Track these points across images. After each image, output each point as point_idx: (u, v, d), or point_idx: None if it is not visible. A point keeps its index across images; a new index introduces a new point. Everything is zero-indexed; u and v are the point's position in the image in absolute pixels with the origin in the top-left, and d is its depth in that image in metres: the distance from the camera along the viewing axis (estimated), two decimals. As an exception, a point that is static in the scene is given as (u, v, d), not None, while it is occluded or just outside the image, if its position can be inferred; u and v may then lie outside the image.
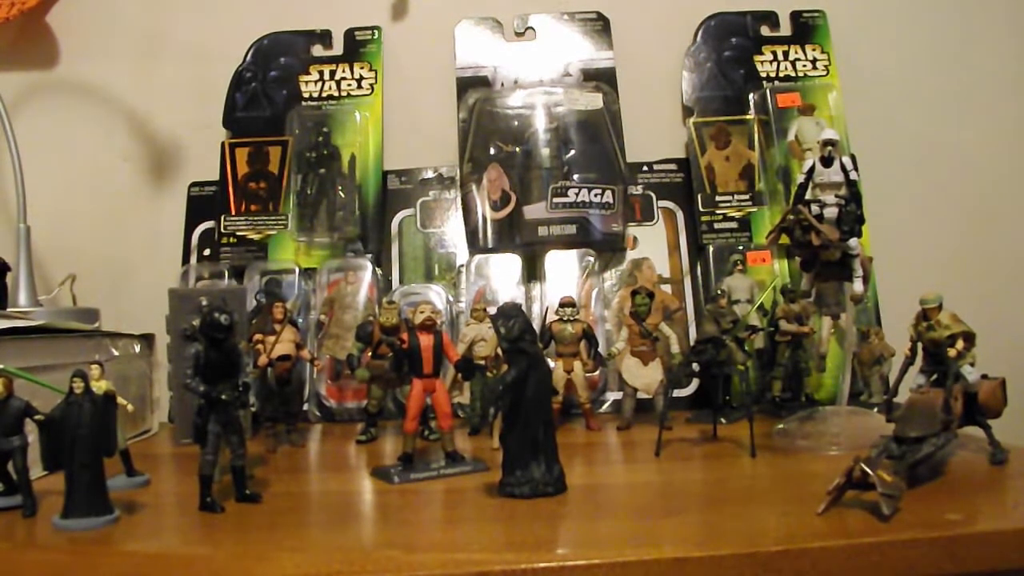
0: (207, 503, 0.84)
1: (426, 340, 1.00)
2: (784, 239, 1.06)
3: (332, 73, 1.56)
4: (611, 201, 1.46)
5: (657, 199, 1.53)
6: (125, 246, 1.58)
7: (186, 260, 1.52)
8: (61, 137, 1.59)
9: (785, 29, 1.58)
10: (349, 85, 1.56)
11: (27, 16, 1.55)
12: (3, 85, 1.41)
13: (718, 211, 1.49)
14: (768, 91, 1.52)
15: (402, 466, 0.98)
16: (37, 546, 0.77)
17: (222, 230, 1.49)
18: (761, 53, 1.56)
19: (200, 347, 0.84)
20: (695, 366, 1.08)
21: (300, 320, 1.41)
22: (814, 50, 1.56)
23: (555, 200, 1.45)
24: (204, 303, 1.10)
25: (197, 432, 0.85)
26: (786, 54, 1.56)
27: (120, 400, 0.90)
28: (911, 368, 1.00)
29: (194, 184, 1.56)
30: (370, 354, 1.20)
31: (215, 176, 1.53)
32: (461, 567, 0.66)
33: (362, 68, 1.56)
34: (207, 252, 1.52)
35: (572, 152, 1.49)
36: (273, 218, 1.50)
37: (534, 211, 1.45)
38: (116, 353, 1.25)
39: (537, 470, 0.86)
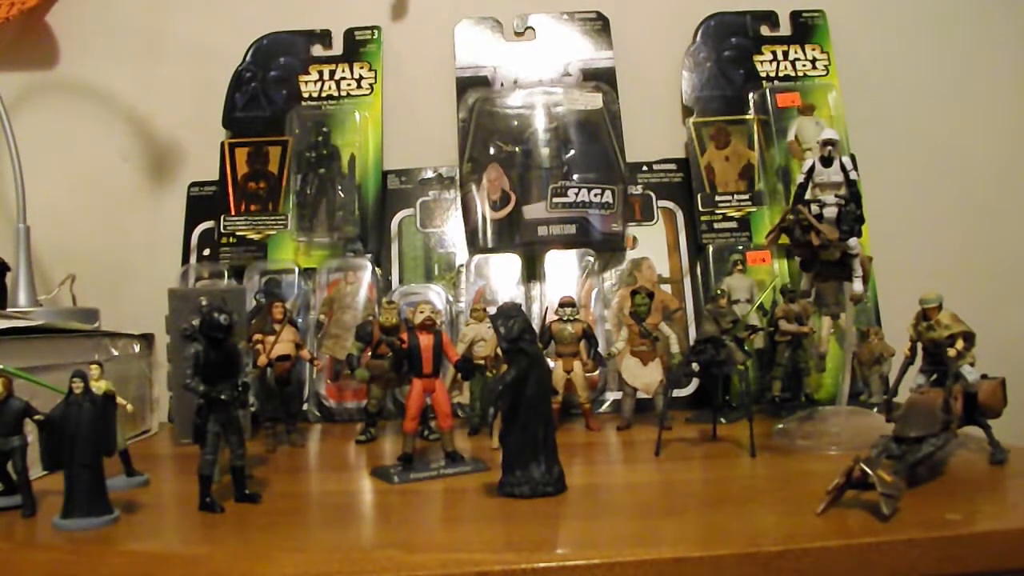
0: (207, 503, 0.84)
1: (426, 340, 1.00)
2: (784, 239, 1.06)
3: (332, 73, 1.56)
4: (611, 201, 1.46)
5: (657, 199, 1.53)
6: (125, 246, 1.58)
7: (186, 260, 1.52)
8: (61, 137, 1.59)
9: (785, 29, 1.58)
10: (349, 85, 1.56)
11: (27, 16, 1.55)
12: (3, 85, 1.41)
13: (718, 211, 1.49)
14: (768, 91, 1.52)
15: (402, 466, 0.98)
16: (37, 546, 0.77)
17: (222, 230, 1.49)
18: (761, 53, 1.56)
19: (200, 347, 0.84)
20: (695, 366, 1.08)
21: (300, 320, 1.41)
22: (814, 50, 1.56)
23: (555, 200, 1.45)
24: (204, 303, 1.10)
25: (197, 432, 0.85)
26: (786, 54, 1.56)
27: (120, 400, 0.90)
28: (911, 368, 1.00)
29: (194, 184, 1.56)
30: (370, 354, 1.20)
31: (215, 176, 1.53)
32: (461, 567, 0.66)
33: (362, 68, 1.56)
34: (207, 252, 1.52)
35: (572, 152, 1.49)
36: (273, 218, 1.50)
37: (534, 211, 1.45)
38: (116, 353, 1.25)
39: (537, 470, 0.86)
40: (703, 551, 0.67)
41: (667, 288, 1.47)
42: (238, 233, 1.49)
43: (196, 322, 0.86)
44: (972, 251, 1.58)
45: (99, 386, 0.87)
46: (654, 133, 1.57)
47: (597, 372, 1.35)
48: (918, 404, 0.88)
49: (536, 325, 1.11)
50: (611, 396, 1.38)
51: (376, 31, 1.58)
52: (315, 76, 1.56)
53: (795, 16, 1.58)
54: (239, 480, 0.87)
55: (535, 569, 0.66)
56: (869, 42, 1.61)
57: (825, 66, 1.55)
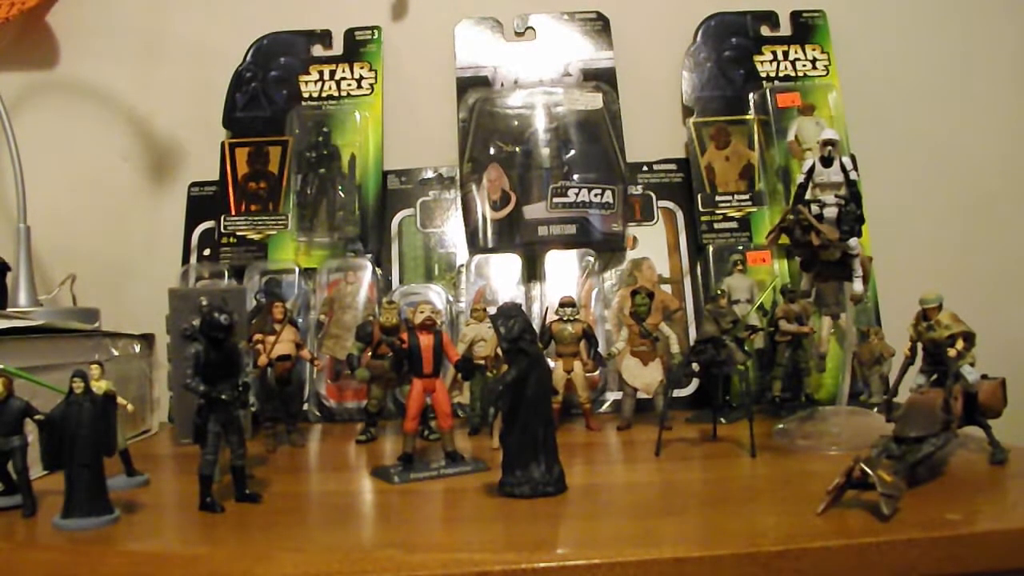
0: (207, 503, 0.84)
1: (426, 340, 1.00)
2: (784, 239, 1.06)
3: (332, 73, 1.56)
4: (611, 201, 1.46)
5: (657, 199, 1.53)
6: (125, 246, 1.58)
7: (186, 260, 1.52)
8: (61, 137, 1.59)
9: (785, 29, 1.58)
10: (349, 85, 1.56)
11: (27, 16, 1.55)
12: (3, 85, 1.41)
13: (718, 211, 1.49)
14: (768, 91, 1.52)
15: (402, 466, 0.98)
16: (37, 546, 0.77)
17: (222, 230, 1.49)
18: (761, 53, 1.56)
19: (200, 347, 0.84)
20: (695, 366, 1.08)
21: (300, 320, 1.41)
22: (814, 50, 1.56)
23: (555, 200, 1.45)
24: (204, 303, 1.10)
25: (197, 432, 0.85)
26: (786, 54, 1.56)
27: (120, 400, 0.90)
28: (911, 368, 1.00)
29: (194, 184, 1.56)
30: (370, 354, 1.20)
31: (215, 176, 1.53)
32: (461, 567, 0.66)
33: (362, 68, 1.56)
34: (207, 252, 1.52)
35: (572, 152, 1.49)
36: (273, 218, 1.50)
37: (534, 211, 1.45)
38: (116, 353, 1.25)
39: (537, 470, 0.86)
40: (703, 551, 0.67)
41: (667, 288, 1.47)
42: (238, 233, 1.49)
43: (196, 322, 0.87)
44: (972, 251, 1.58)
45: (99, 386, 0.87)
46: (654, 133, 1.57)
47: (597, 372, 1.35)
48: (918, 404, 0.88)
49: (536, 325, 1.10)
50: (611, 396, 1.38)
51: (376, 31, 1.58)
52: (315, 76, 1.56)
53: (795, 16, 1.58)
54: (239, 480, 0.87)
55: (535, 569, 0.66)
56: (869, 42, 1.61)
57: (825, 66, 1.55)
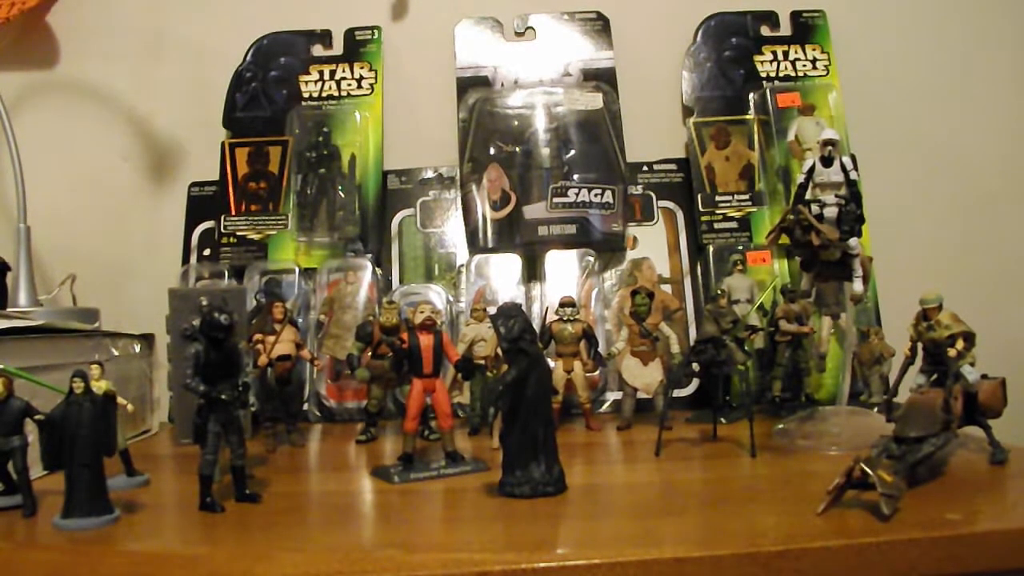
0: (207, 503, 0.84)
1: (426, 340, 1.00)
2: (784, 239, 1.06)
3: (332, 73, 1.56)
4: (611, 201, 1.46)
5: (657, 199, 1.53)
6: (125, 246, 1.58)
7: (186, 260, 1.52)
8: (61, 137, 1.59)
9: (785, 29, 1.58)
10: (349, 85, 1.56)
11: (27, 16, 1.55)
12: (3, 85, 1.41)
13: (718, 211, 1.49)
14: (768, 91, 1.52)
15: (402, 466, 0.98)
16: (37, 546, 0.77)
17: (222, 230, 1.50)
18: (761, 53, 1.56)
19: (200, 347, 0.84)
20: (695, 366, 1.08)
21: (300, 320, 1.41)
22: (814, 50, 1.56)
23: (555, 200, 1.45)
24: (204, 303, 1.10)
25: (197, 432, 0.85)
26: (786, 54, 1.56)
27: (120, 400, 0.91)
28: (911, 368, 1.00)
29: (194, 184, 1.56)
30: (370, 354, 1.20)
31: (215, 176, 1.53)
32: (461, 567, 0.66)
33: (362, 68, 1.56)
34: (207, 252, 1.52)
35: (572, 152, 1.49)
36: (273, 218, 1.50)
37: (534, 211, 1.45)
38: (116, 353, 1.25)
39: (537, 470, 0.86)
40: (703, 551, 0.67)
41: (667, 288, 1.47)
42: (238, 233, 1.49)
43: (196, 322, 0.86)
44: (972, 251, 1.58)
45: (99, 386, 0.87)
46: (654, 133, 1.57)
47: (597, 372, 1.35)
48: (918, 404, 0.88)
49: (536, 325, 1.11)
50: (611, 396, 1.38)
51: (376, 31, 1.58)
52: (315, 76, 1.56)
53: (795, 16, 1.58)
54: (239, 480, 0.87)
55: (535, 569, 0.66)
56: (869, 42, 1.61)
57: (825, 66, 1.55)
